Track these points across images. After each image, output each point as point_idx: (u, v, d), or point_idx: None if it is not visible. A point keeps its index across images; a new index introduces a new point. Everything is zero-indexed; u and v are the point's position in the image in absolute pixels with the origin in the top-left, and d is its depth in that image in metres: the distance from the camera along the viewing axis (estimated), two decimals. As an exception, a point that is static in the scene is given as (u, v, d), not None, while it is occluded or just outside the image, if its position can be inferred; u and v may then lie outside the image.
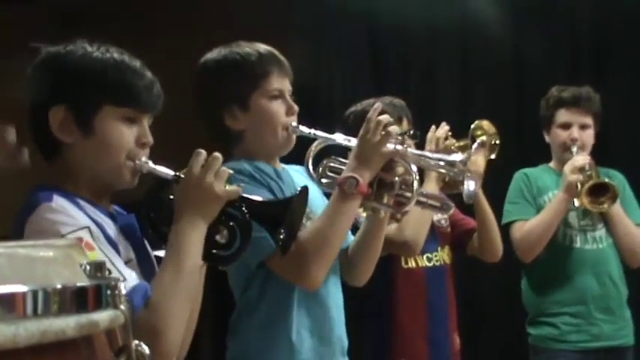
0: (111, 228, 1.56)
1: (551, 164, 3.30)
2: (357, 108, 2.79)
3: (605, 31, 4.09)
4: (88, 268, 0.80)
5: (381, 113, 2.00)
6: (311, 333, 2.03)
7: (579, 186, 3.02)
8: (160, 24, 4.49)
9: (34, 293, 0.71)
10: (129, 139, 1.58)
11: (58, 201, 1.49)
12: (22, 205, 1.52)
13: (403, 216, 2.50)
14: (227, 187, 1.56)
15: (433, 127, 2.68)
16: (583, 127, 3.17)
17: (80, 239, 1.40)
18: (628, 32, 3.99)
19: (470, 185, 2.06)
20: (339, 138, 2.06)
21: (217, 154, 1.58)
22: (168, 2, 4.72)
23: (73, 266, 0.79)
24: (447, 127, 2.68)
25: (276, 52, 2.11)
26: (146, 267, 1.61)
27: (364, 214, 2.18)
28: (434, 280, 2.76)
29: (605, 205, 3.04)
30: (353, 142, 2.01)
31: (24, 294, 0.71)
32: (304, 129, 2.06)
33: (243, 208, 1.57)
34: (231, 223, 1.57)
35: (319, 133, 2.06)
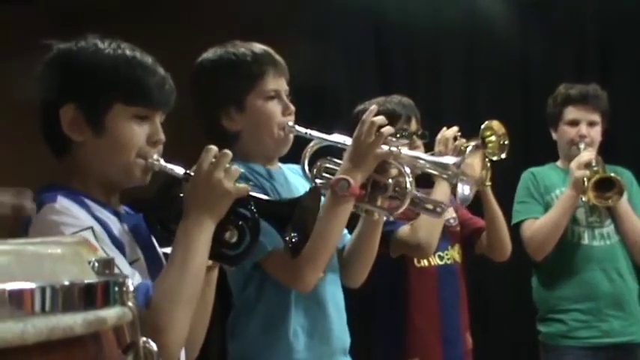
0: (117, 227, 1.55)
1: (558, 163, 3.31)
2: (366, 106, 2.79)
3: (611, 30, 4.08)
4: (96, 265, 0.80)
5: (377, 114, 1.99)
6: (309, 333, 2.03)
7: (586, 181, 3.02)
8: (161, 23, 4.49)
9: (42, 290, 0.71)
10: (140, 138, 1.56)
11: (62, 202, 1.48)
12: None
13: (417, 217, 2.49)
14: (237, 185, 1.55)
15: (444, 128, 2.69)
16: (591, 124, 3.18)
17: (82, 240, 1.39)
18: (634, 31, 3.98)
19: (464, 189, 2.05)
20: (335, 138, 2.05)
21: (227, 150, 1.57)
22: (170, 1, 4.72)
23: (81, 263, 0.79)
24: (456, 128, 2.68)
25: (272, 52, 2.09)
26: (154, 266, 1.60)
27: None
28: (446, 279, 2.76)
29: (612, 200, 3.04)
30: (349, 142, 1.99)
31: (32, 291, 0.71)
32: (300, 129, 2.05)
33: (252, 207, 1.56)
34: (239, 222, 1.55)
35: (315, 133, 2.05)
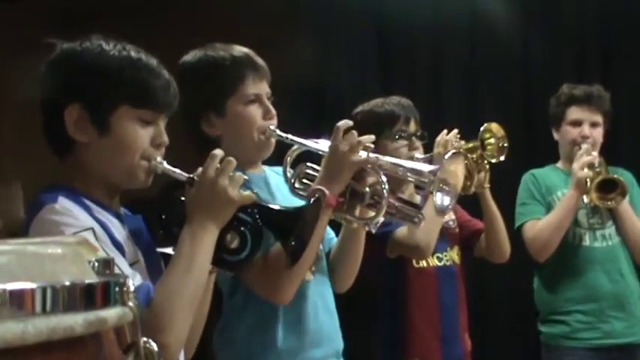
0: (117, 229, 1.55)
1: (559, 164, 3.32)
2: (364, 108, 2.79)
3: (613, 31, 4.08)
4: (96, 265, 0.80)
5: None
6: (299, 337, 2.01)
7: (588, 182, 3.02)
8: (161, 23, 4.49)
9: (43, 290, 0.71)
10: (144, 140, 1.57)
11: (63, 202, 1.48)
12: (28, 206, 1.52)
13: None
14: (241, 192, 1.56)
15: (445, 130, 2.69)
16: (594, 125, 3.19)
17: (83, 240, 1.39)
18: (635, 32, 3.98)
19: (443, 199, 2.00)
20: (313, 144, 2.00)
21: (231, 158, 1.57)
22: (170, 1, 4.72)
23: (82, 263, 0.79)
24: (455, 131, 2.68)
25: (252, 55, 2.06)
26: (154, 268, 1.61)
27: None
28: (445, 280, 2.76)
29: (615, 201, 3.05)
30: (326, 149, 1.95)
31: (32, 291, 0.70)
32: (281, 133, 2.02)
33: (256, 215, 1.56)
34: (242, 229, 1.56)
35: (295, 138, 2.01)
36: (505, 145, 2.76)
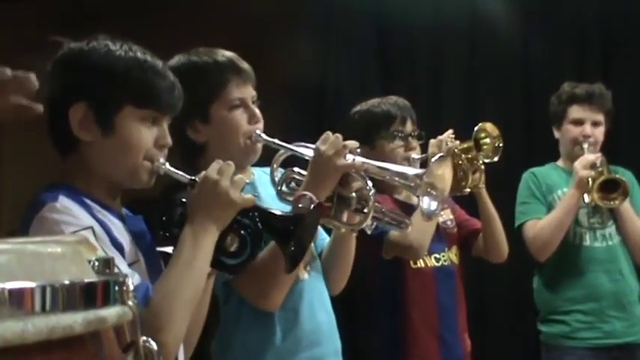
0: (118, 229, 1.55)
1: (559, 163, 3.31)
2: (362, 108, 2.79)
3: (613, 30, 4.08)
4: (96, 264, 0.80)
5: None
6: (297, 338, 2.00)
7: (590, 182, 3.03)
8: (162, 23, 4.49)
9: (43, 289, 0.71)
10: (148, 140, 1.57)
11: (63, 201, 1.48)
12: (29, 204, 1.52)
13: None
14: (243, 195, 1.56)
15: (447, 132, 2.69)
16: (595, 124, 3.19)
17: (82, 239, 1.40)
18: (635, 32, 3.98)
19: (430, 204, 1.97)
20: (299, 149, 1.99)
21: (230, 162, 1.59)
22: (171, 1, 4.72)
23: (82, 262, 0.79)
24: (450, 131, 2.68)
25: (236, 59, 2.04)
26: (154, 269, 1.61)
27: None
28: (443, 280, 2.75)
29: (616, 202, 3.05)
30: (311, 153, 1.94)
31: (32, 290, 0.71)
32: (267, 138, 2.01)
33: (256, 218, 1.57)
34: (242, 232, 1.56)
35: (280, 142, 2.00)
36: (500, 144, 2.76)
